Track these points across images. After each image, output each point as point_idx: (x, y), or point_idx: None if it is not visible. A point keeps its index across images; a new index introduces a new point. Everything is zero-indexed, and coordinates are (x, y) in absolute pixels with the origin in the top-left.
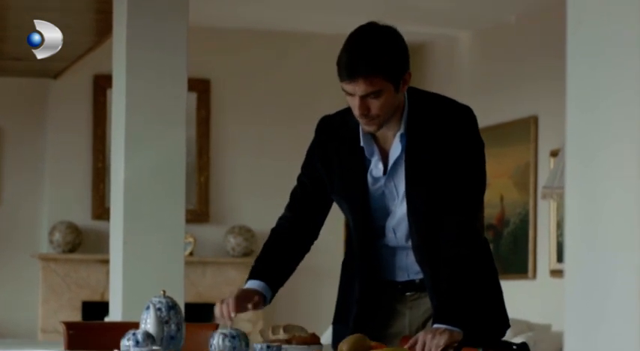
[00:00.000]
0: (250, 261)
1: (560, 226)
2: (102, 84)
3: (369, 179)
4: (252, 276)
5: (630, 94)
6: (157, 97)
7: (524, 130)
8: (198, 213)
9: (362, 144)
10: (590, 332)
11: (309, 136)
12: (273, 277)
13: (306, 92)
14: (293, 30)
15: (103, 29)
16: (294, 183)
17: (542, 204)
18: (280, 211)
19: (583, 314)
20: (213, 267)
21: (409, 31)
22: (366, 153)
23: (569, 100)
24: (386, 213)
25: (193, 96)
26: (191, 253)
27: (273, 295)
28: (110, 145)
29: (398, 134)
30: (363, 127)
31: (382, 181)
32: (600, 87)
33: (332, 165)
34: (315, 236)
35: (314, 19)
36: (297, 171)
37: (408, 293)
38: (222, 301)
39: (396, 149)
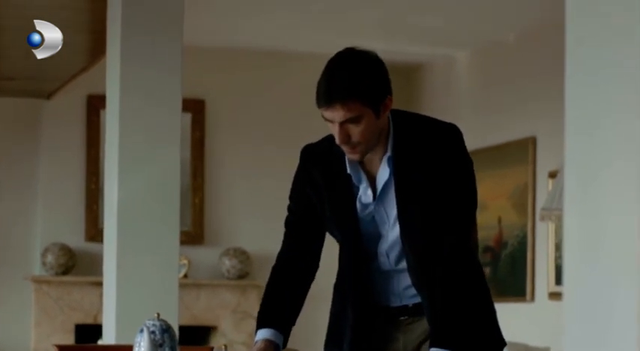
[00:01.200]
0: (245, 283)
1: (558, 248)
2: (95, 104)
3: (358, 206)
4: (260, 324)
5: (629, 115)
6: (151, 117)
7: (523, 151)
8: (193, 235)
9: (349, 171)
10: None
11: None
12: (282, 321)
13: (302, 113)
14: (289, 50)
15: (97, 49)
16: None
17: (540, 226)
18: (277, 233)
19: (582, 337)
20: (207, 289)
21: (406, 51)
22: (354, 180)
23: (568, 121)
24: (377, 237)
25: (188, 116)
26: (185, 276)
27: (287, 338)
28: (104, 166)
29: (385, 158)
30: (347, 155)
31: (372, 207)
32: (599, 107)
33: (320, 191)
34: (316, 265)
35: (311, 38)
36: None
37: (402, 318)
38: None
39: (383, 173)
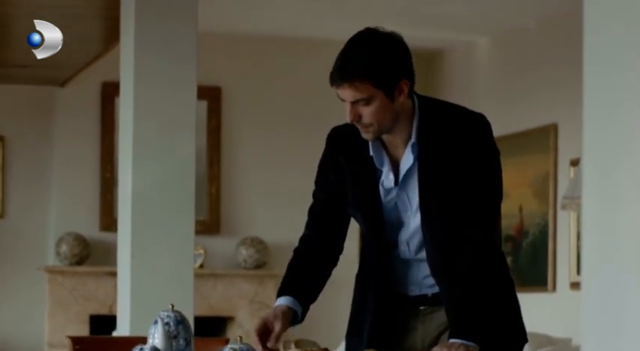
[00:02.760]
0: (262, 273)
1: (580, 237)
2: (110, 92)
3: (381, 191)
4: (281, 293)
5: None
6: (166, 105)
7: (544, 138)
8: (209, 224)
9: (371, 153)
10: (607, 346)
11: (323, 145)
12: (303, 293)
13: (320, 100)
14: (307, 36)
15: (111, 36)
16: (308, 193)
17: (562, 214)
18: (294, 222)
19: (600, 327)
20: (224, 279)
21: (426, 37)
22: (376, 163)
23: (586, 109)
24: (399, 225)
25: (203, 104)
26: (201, 266)
27: (305, 311)
28: (118, 155)
29: (409, 144)
30: (362, 134)
31: (394, 193)
32: (618, 94)
33: (344, 176)
34: (340, 250)
35: (328, 25)
36: (311, 181)
37: (421, 307)
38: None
39: (407, 159)
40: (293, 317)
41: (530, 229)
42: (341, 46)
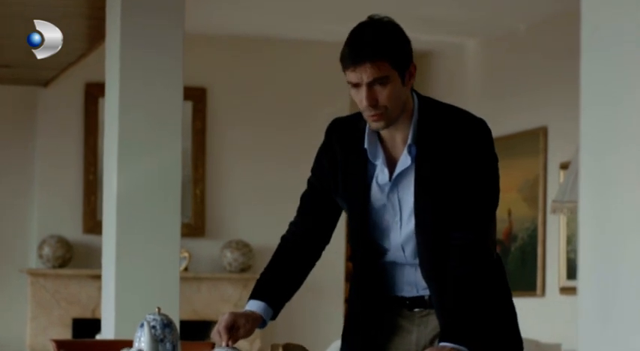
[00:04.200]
0: (248, 277)
1: (570, 241)
2: (94, 92)
3: (373, 187)
4: (253, 295)
5: None
6: (152, 105)
7: (533, 141)
8: (194, 227)
9: (365, 146)
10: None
11: (309, 146)
12: (276, 295)
13: (305, 102)
14: (293, 37)
15: (95, 35)
16: (295, 196)
17: (551, 219)
18: (280, 225)
19: (597, 334)
20: (209, 283)
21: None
22: (369, 155)
23: (584, 108)
24: (384, 228)
25: (189, 105)
26: (186, 269)
27: (276, 313)
28: (102, 156)
29: (407, 145)
30: (370, 123)
31: (386, 190)
32: (616, 93)
33: (337, 167)
34: (327, 240)
35: (314, 26)
36: (298, 183)
37: (416, 309)
38: (218, 327)
39: (405, 160)
40: (260, 323)
41: (519, 234)
42: (328, 47)
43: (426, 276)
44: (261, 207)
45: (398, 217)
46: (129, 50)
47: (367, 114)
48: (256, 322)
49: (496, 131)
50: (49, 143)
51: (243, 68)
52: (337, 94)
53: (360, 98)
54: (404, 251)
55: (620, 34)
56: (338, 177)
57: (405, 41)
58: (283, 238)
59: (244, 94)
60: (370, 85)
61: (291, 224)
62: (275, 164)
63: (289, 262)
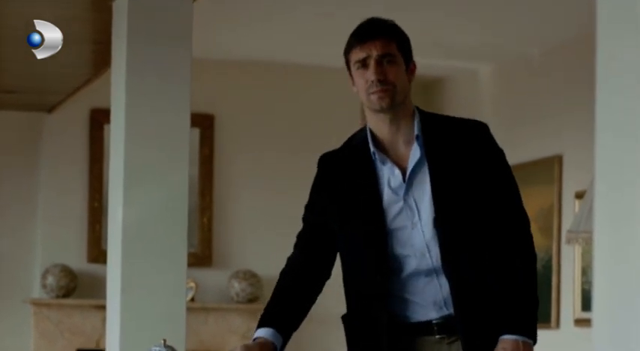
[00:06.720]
0: (256, 307)
1: (585, 272)
2: (99, 118)
3: (388, 193)
4: (261, 324)
5: None
6: (158, 131)
7: (548, 170)
8: (201, 256)
9: (372, 150)
10: None
11: None
12: (283, 323)
13: (315, 128)
14: (302, 63)
15: (101, 61)
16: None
17: (566, 249)
18: (288, 254)
19: None
20: (216, 314)
21: (428, 64)
22: (378, 159)
23: (599, 137)
24: (405, 235)
25: (196, 132)
26: (192, 299)
27: (285, 342)
28: (107, 184)
29: (415, 136)
30: (375, 102)
31: (401, 193)
32: (632, 123)
33: (340, 197)
34: (328, 275)
35: (325, 52)
36: None
37: (441, 336)
38: None
39: (415, 153)
40: (272, 350)
41: None
42: (337, 73)
43: (448, 269)
44: (270, 236)
45: (417, 218)
46: (135, 76)
47: (373, 90)
48: (267, 348)
49: (510, 159)
50: (53, 170)
51: (251, 94)
52: (347, 122)
53: (368, 76)
54: (429, 252)
55: (636, 63)
56: (342, 206)
57: (407, 37)
58: (282, 273)
59: (253, 121)
60: (379, 62)
61: (289, 259)
62: (283, 193)
63: (291, 291)
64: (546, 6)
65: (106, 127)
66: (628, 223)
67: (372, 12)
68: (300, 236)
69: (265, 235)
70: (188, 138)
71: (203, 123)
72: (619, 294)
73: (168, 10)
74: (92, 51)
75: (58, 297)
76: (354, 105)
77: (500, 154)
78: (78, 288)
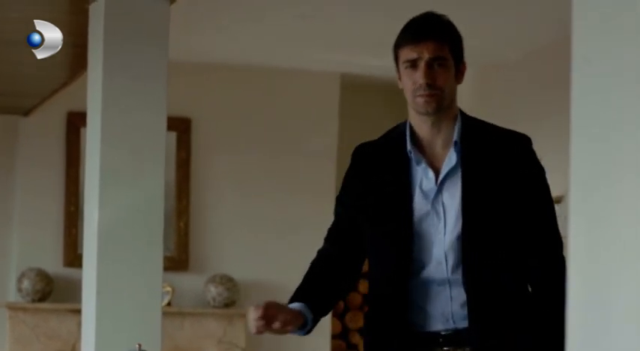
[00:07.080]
0: (232, 312)
1: None
2: (75, 122)
3: (419, 195)
4: (293, 300)
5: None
6: (135, 135)
7: None
8: (177, 260)
9: (409, 148)
10: None
11: (297, 179)
12: (313, 302)
13: (293, 132)
14: (279, 66)
15: (77, 64)
16: (282, 230)
17: None
18: (265, 260)
19: None
20: (192, 318)
21: None
22: (414, 159)
23: (574, 141)
24: (428, 240)
25: (173, 136)
26: (169, 304)
27: (314, 321)
28: (83, 187)
29: (453, 142)
30: (421, 105)
31: (431, 197)
32: (607, 126)
33: (372, 189)
34: (358, 270)
35: (301, 54)
36: (284, 216)
37: (447, 348)
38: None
39: (450, 159)
40: (302, 323)
41: None
42: (315, 76)
43: (468, 282)
44: (247, 240)
45: (442, 224)
46: (111, 79)
47: (420, 93)
48: (297, 317)
49: None
50: (29, 173)
51: (228, 97)
52: (325, 124)
53: (416, 78)
54: (446, 262)
55: (611, 66)
56: (372, 199)
57: (461, 37)
58: (312, 262)
59: (230, 124)
60: (430, 65)
61: (320, 251)
62: (261, 197)
63: (322, 277)
64: (524, 10)
65: (82, 130)
66: (602, 226)
67: (348, 14)
68: (330, 230)
69: (242, 240)
70: (164, 141)
71: (180, 126)
72: (593, 296)
73: (144, 12)
74: (68, 54)
75: (33, 301)
76: (331, 108)
77: (541, 171)
78: (54, 292)
